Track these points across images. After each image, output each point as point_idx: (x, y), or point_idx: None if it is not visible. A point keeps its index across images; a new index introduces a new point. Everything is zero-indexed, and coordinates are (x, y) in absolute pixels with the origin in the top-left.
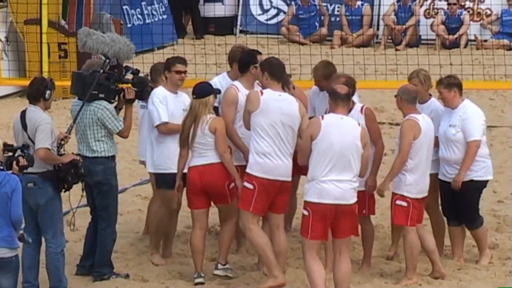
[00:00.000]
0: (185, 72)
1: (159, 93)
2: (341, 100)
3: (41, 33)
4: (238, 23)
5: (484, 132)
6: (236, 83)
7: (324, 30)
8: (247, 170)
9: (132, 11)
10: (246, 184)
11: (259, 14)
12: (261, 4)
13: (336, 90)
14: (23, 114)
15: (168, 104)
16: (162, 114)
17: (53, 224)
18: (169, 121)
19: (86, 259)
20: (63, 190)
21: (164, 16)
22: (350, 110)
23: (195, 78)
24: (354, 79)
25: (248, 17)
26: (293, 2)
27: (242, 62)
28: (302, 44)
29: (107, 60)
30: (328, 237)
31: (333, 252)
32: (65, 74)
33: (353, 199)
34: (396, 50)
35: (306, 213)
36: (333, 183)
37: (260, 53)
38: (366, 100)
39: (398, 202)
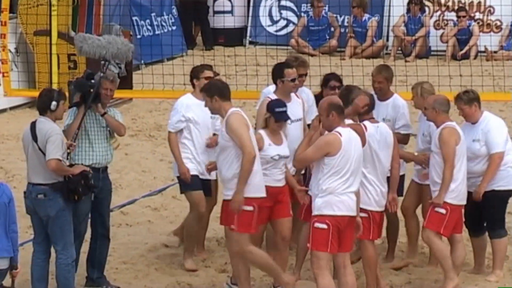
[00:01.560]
0: (213, 77)
1: (182, 101)
2: (343, 113)
3: (50, 44)
4: (248, 34)
5: (508, 140)
6: (272, 95)
7: (334, 42)
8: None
9: (142, 22)
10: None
11: (269, 25)
12: (270, 15)
13: (338, 104)
14: (33, 125)
15: (190, 111)
16: (172, 122)
17: (63, 236)
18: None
19: (92, 271)
20: (74, 201)
21: (174, 27)
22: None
23: None
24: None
25: (258, 28)
26: (304, 14)
27: (272, 77)
28: (312, 55)
29: (106, 63)
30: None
31: (336, 267)
32: None
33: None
34: (406, 61)
35: (325, 226)
36: (348, 195)
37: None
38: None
39: (436, 208)
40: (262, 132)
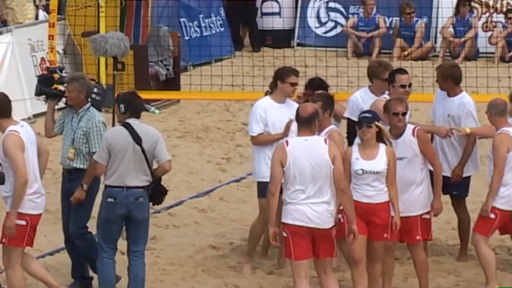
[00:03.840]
0: (297, 84)
1: (261, 104)
2: (301, 123)
3: None
4: (296, 35)
5: None
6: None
7: (377, 43)
8: None
9: (190, 23)
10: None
11: (317, 27)
12: (318, 17)
13: (298, 113)
14: (129, 128)
15: (268, 114)
16: (252, 127)
17: (147, 237)
18: (260, 133)
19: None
20: (159, 203)
21: (222, 29)
22: (401, 133)
23: (252, 91)
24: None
25: (306, 30)
26: (355, 15)
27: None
28: (360, 56)
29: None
30: (311, 255)
31: (318, 274)
32: (122, 87)
33: (330, 224)
34: None
35: (285, 234)
36: (309, 206)
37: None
38: (424, 113)
39: None
40: (354, 145)
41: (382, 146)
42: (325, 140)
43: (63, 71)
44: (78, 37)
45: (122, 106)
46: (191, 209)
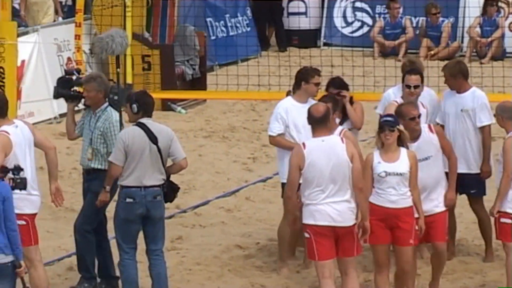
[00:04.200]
0: (320, 83)
1: (283, 105)
2: (316, 124)
3: None
4: (322, 35)
5: None
6: (398, 98)
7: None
8: None
9: (216, 23)
10: None
11: (343, 27)
12: (345, 17)
13: (311, 114)
14: (145, 128)
15: (290, 115)
16: (272, 126)
17: (164, 235)
18: (280, 133)
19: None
20: (171, 201)
21: (248, 29)
22: (419, 135)
23: (279, 91)
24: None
25: (332, 30)
26: (381, 17)
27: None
28: (386, 56)
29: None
30: (334, 255)
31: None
32: (148, 87)
33: (352, 221)
34: (481, 63)
35: (307, 235)
36: (330, 205)
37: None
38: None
39: (502, 220)
40: (375, 150)
41: (403, 150)
42: (341, 139)
43: (80, 72)
44: None
45: (134, 106)
46: (217, 209)
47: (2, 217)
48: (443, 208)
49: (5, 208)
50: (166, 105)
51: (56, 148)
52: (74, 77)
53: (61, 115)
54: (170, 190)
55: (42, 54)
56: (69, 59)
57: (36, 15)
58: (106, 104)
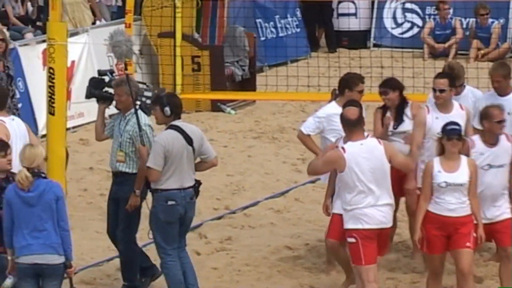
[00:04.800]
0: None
1: (327, 111)
2: (353, 127)
3: (174, 46)
4: (372, 36)
5: None
6: (431, 103)
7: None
8: None
9: (266, 24)
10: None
11: (393, 28)
12: (394, 18)
13: (347, 117)
14: (180, 130)
15: (331, 123)
16: (307, 124)
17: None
18: (311, 135)
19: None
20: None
21: (298, 30)
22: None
23: (328, 92)
24: None
25: (382, 31)
26: (431, 18)
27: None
28: (436, 57)
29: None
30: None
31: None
32: (198, 87)
33: (391, 222)
34: None
35: (353, 240)
36: (375, 208)
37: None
38: None
39: None
40: (436, 158)
41: (463, 158)
42: (378, 141)
43: (114, 73)
44: (154, 38)
45: (167, 109)
46: (267, 210)
47: (55, 217)
48: (509, 215)
49: (58, 208)
50: (216, 106)
51: (104, 148)
52: (107, 78)
53: (111, 116)
54: (198, 189)
55: (91, 55)
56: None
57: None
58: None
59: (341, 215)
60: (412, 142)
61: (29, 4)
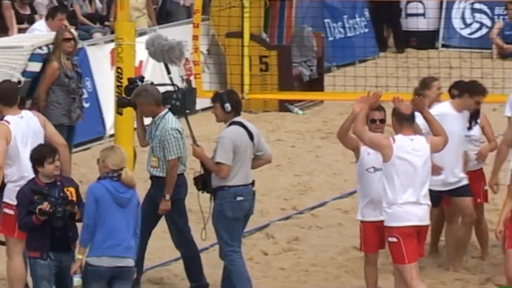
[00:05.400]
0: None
1: (440, 108)
2: (406, 121)
3: (242, 46)
4: (440, 36)
5: None
6: None
7: None
8: None
9: (334, 24)
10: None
11: (462, 28)
12: (463, 18)
13: (401, 111)
14: (244, 127)
15: (445, 121)
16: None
17: None
18: None
19: None
20: None
21: (366, 30)
22: None
23: (396, 92)
24: None
25: (451, 31)
26: (500, 18)
27: None
28: (505, 58)
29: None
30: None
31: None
32: (265, 87)
33: (429, 221)
34: None
35: (394, 240)
36: (415, 205)
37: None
38: None
39: None
40: None
41: None
42: (426, 140)
43: (144, 80)
44: (222, 38)
45: (228, 105)
46: (334, 210)
47: (136, 222)
48: None
49: (138, 213)
50: (283, 106)
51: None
52: (139, 85)
53: (179, 116)
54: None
55: None
56: (186, 59)
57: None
58: (164, 112)
59: (372, 222)
60: (504, 139)
61: (97, 1)
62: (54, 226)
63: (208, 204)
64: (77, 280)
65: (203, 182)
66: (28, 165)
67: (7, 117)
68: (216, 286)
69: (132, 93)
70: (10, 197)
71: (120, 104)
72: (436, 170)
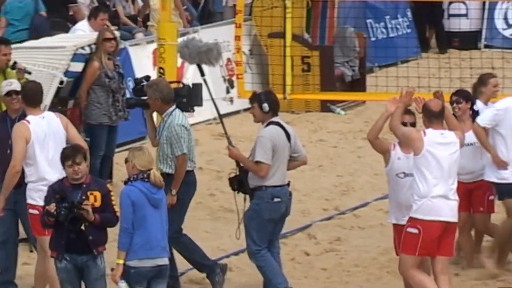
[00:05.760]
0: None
1: (505, 103)
2: (435, 118)
3: (284, 46)
4: (483, 37)
5: None
6: None
7: None
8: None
9: (376, 24)
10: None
11: (504, 29)
12: (506, 19)
13: (429, 108)
14: (283, 127)
15: (508, 114)
16: (484, 117)
17: None
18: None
19: None
20: None
21: (408, 30)
22: None
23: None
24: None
25: (493, 31)
26: None
27: None
28: None
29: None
30: (435, 255)
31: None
32: (307, 88)
33: (457, 218)
34: None
35: (415, 231)
36: (444, 200)
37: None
38: None
39: None
40: None
41: None
42: (457, 136)
43: (150, 80)
44: (264, 38)
45: (266, 105)
46: (376, 211)
47: (167, 221)
48: None
49: (166, 211)
50: (325, 107)
51: (214, 148)
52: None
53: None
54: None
55: None
56: (228, 60)
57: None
58: (171, 109)
59: (403, 226)
60: None
61: (140, 2)
62: (67, 228)
63: (242, 204)
64: (124, 285)
65: (239, 183)
66: (46, 167)
67: (28, 117)
68: (258, 286)
69: (139, 93)
70: (31, 196)
71: (128, 105)
72: (501, 164)
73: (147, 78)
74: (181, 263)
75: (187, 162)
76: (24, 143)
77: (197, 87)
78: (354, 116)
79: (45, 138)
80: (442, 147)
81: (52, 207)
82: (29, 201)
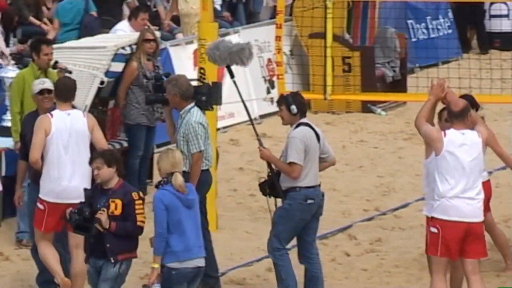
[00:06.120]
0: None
1: None
2: (455, 118)
3: (325, 47)
4: None
5: None
6: None
7: None
8: None
9: (417, 25)
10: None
11: None
12: None
13: (450, 108)
14: (312, 128)
15: None
16: None
17: None
18: None
19: None
20: None
21: (449, 31)
22: None
23: (480, 94)
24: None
25: None
26: None
27: None
28: None
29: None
30: (457, 257)
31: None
32: (348, 88)
33: (482, 217)
34: None
35: (435, 230)
36: (464, 200)
37: None
38: None
39: None
40: None
41: None
42: (478, 134)
43: (170, 76)
44: (305, 39)
45: (294, 107)
46: (417, 212)
47: (200, 221)
48: None
49: (198, 210)
50: (366, 107)
51: (254, 148)
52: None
53: (261, 116)
54: None
55: None
56: (269, 60)
57: (185, 27)
58: (190, 106)
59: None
60: None
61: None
62: (76, 232)
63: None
64: None
65: (270, 186)
66: (61, 162)
67: (53, 111)
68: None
69: (159, 89)
70: (42, 191)
71: (148, 101)
72: None
73: (167, 75)
74: (221, 263)
75: (203, 160)
76: (43, 134)
77: (217, 85)
78: (395, 117)
79: (65, 134)
80: (462, 148)
81: (68, 210)
82: (40, 195)
